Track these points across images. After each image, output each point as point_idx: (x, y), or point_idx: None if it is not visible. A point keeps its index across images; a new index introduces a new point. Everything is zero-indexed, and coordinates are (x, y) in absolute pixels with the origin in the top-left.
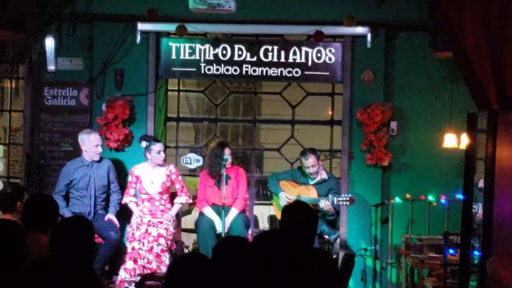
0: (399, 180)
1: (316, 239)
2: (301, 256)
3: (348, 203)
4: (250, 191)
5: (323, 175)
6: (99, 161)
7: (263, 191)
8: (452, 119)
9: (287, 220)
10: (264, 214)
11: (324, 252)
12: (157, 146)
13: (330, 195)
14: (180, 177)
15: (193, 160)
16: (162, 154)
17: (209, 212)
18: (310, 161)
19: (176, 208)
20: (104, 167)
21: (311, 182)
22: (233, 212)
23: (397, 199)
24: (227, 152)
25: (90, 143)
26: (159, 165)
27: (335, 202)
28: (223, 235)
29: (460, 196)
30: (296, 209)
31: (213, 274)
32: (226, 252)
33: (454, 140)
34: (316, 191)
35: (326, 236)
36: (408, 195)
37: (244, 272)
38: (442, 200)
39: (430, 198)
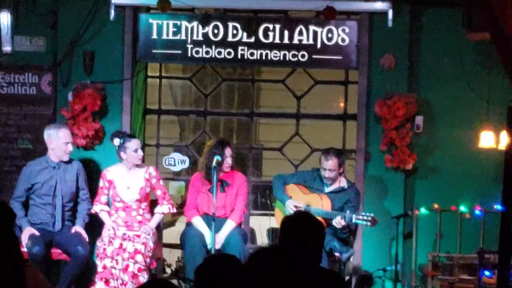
0: (426, 187)
1: (324, 257)
2: (306, 278)
3: (369, 224)
4: (247, 200)
5: (342, 183)
6: (67, 163)
7: (261, 199)
8: (489, 113)
9: (287, 234)
10: (262, 226)
11: (334, 273)
12: (133, 143)
13: (347, 211)
14: (161, 182)
15: (178, 161)
16: (140, 152)
17: (199, 223)
18: (329, 164)
19: (156, 219)
20: (73, 170)
21: (327, 190)
22: (229, 226)
23: (423, 210)
24: (228, 152)
25: (59, 140)
26: (137, 166)
27: (353, 220)
28: (213, 251)
29: (498, 207)
30: (297, 220)
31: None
32: (212, 275)
33: (492, 139)
34: (330, 201)
35: (337, 254)
36: (436, 205)
37: None
38: (477, 212)
39: (463, 209)
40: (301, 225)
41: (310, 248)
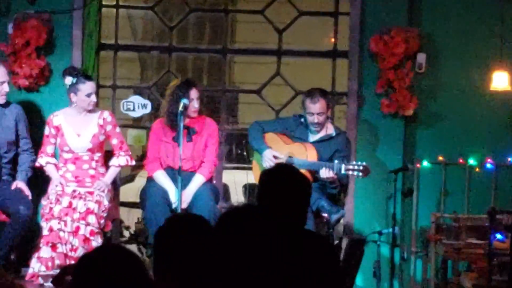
0: (429, 136)
1: (310, 218)
2: (287, 243)
3: (361, 174)
4: (220, 150)
5: (330, 130)
6: (4, 106)
7: (236, 150)
8: (503, 50)
9: (266, 191)
10: (238, 182)
11: (321, 237)
12: (87, 86)
13: (336, 161)
14: (118, 129)
15: (138, 106)
16: (93, 98)
17: (162, 178)
18: (317, 106)
19: (112, 173)
20: (11, 115)
21: (311, 139)
22: (198, 181)
23: (425, 163)
24: (194, 94)
25: None
26: (89, 111)
27: (343, 171)
28: (178, 211)
29: None
30: (277, 174)
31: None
32: (173, 240)
33: (507, 80)
34: (317, 152)
35: (326, 215)
36: (440, 158)
37: (201, 268)
38: (489, 165)
39: (472, 162)
40: (282, 180)
41: (293, 207)
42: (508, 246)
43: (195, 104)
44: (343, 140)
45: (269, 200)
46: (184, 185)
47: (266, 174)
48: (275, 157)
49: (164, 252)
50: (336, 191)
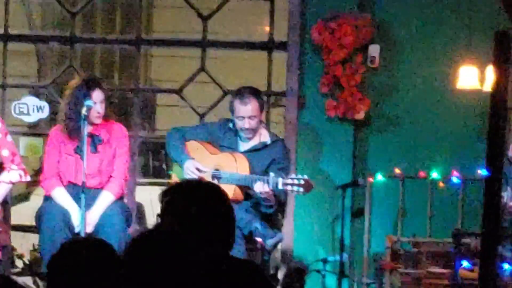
0: (383, 144)
1: (241, 243)
2: (207, 275)
3: (301, 190)
4: (132, 163)
5: (264, 137)
6: None
7: (153, 163)
8: (472, 42)
9: (169, 213)
10: (155, 201)
11: (251, 266)
12: None
13: (271, 174)
14: (9, 138)
15: (33, 108)
16: None
17: (62, 196)
18: (248, 109)
19: (2, 190)
20: None
21: (242, 148)
22: (106, 199)
23: (380, 177)
24: (97, 96)
25: None
26: None
27: (280, 187)
28: (82, 234)
29: (483, 172)
30: (188, 192)
31: None
32: (68, 270)
33: (476, 77)
34: (249, 163)
35: (260, 239)
36: (397, 170)
37: None
38: (455, 179)
39: (435, 175)
40: (189, 198)
41: (210, 232)
42: (476, 275)
43: (98, 108)
44: (280, 149)
45: (179, 224)
46: (88, 205)
47: (166, 194)
48: (198, 169)
49: (58, 285)
50: (272, 210)
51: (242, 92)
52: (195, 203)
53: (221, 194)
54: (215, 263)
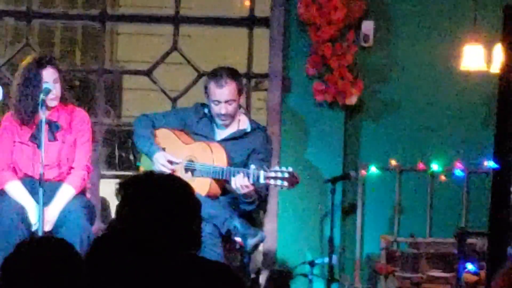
0: (378, 132)
1: (218, 244)
2: (170, 279)
3: (285, 184)
4: (95, 154)
5: (244, 124)
6: None
7: (119, 153)
8: (478, 17)
9: (132, 211)
10: None
11: (223, 267)
12: None
13: (252, 166)
14: None
15: None
16: None
17: (17, 191)
18: (225, 92)
19: None
20: None
21: (219, 136)
22: (66, 194)
23: (374, 169)
24: (48, 75)
25: None
26: None
27: (261, 180)
28: (40, 233)
29: (491, 165)
30: (148, 186)
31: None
32: (24, 273)
33: (482, 57)
34: (226, 153)
35: (239, 239)
36: (393, 162)
37: None
38: (458, 171)
39: (435, 167)
40: (149, 192)
41: (174, 230)
42: (482, 279)
43: (53, 89)
44: (261, 137)
45: (129, 224)
46: (47, 200)
47: (123, 188)
48: (170, 162)
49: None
50: (253, 207)
51: (218, 74)
52: (157, 198)
53: (186, 187)
54: (181, 265)
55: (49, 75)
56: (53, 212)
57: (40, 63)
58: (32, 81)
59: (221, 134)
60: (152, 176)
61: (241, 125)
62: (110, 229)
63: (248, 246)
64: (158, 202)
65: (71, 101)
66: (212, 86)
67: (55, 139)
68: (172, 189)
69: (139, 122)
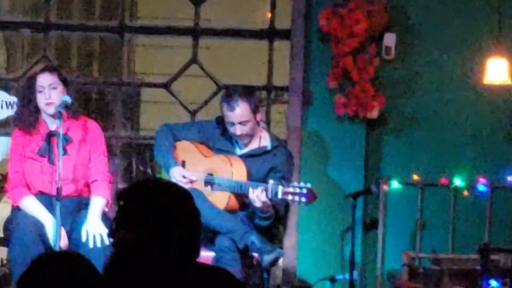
0: (400, 146)
1: (236, 259)
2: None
3: (304, 200)
4: (113, 166)
5: (265, 141)
6: None
7: (137, 166)
8: (502, 30)
9: (132, 220)
10: None
11: (224, 273)
12: None
13: (271, 182)
14: None
15: (2, 104)
16: None
17: (33, 206)
18: (237, 114)
19: None
20: None
21: (239, 151)
22: (100, 205)
23: (395, 184)
24: (44, 80)
25: None
26: None
27: (280, 196)
28: (57, 248)
29: None
30: (147, 195)
31: None
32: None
33: (506, 71)
34: (246, 168)
35: (256, 255)
36: (416, 176)
37: None
38: (481, 186)
39: (458, 182)
40: (148, 202)
41: (169, 237)
42: None
43: (46, 94)
44: (282, 155)
45: (131, 233)
46: (64, 214)
47: (122, 196)
48: (185, 177)
49: None
50: (267, 223)
51: (229, 94)
52: (156, 207)
53: (186, 195)
54: (186, 273)
55: (44, 80)
56: (95, 227)
57: (38, 72)
58: (31, 91)
59: (242, 150)
60: (150, 184)
61: (262, 142)
62: (117, 242)
63: (264, 262)
64: (156, 209)
65: (80, 113)
66: (224, 108)
67: (65, 152)
68: (170, 196)
69: (161, 133)
